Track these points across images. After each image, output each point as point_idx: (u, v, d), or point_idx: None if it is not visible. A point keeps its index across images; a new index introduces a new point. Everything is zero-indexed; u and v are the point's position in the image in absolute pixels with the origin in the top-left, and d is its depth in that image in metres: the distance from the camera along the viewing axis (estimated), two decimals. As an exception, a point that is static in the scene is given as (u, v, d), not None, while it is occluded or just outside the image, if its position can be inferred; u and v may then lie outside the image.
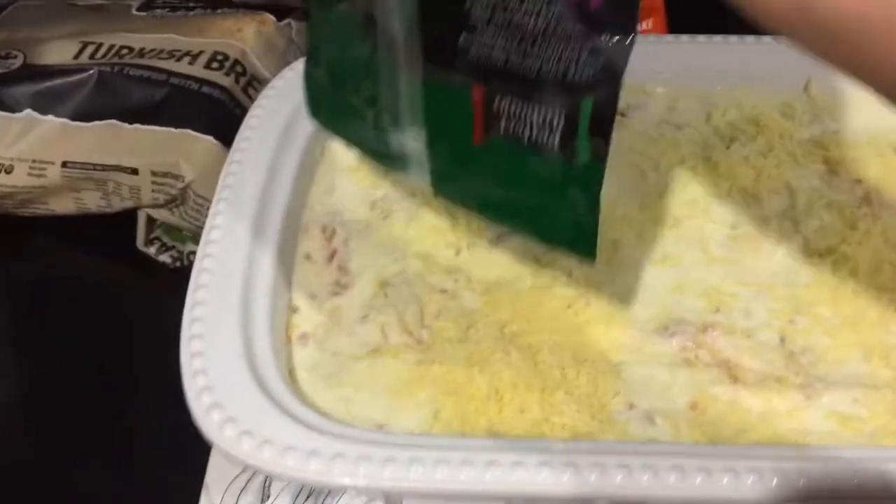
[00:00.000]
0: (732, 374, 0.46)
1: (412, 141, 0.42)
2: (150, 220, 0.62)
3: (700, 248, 0.52)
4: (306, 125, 0.58)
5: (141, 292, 0.62)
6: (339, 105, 0.46)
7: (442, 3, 0.38)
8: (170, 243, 0.63)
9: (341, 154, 0.60)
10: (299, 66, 0.61)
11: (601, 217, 0.41)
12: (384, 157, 0.46)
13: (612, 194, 0.55)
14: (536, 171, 0.39)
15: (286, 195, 0.54)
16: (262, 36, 0.68)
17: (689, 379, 0.46)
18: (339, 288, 0.51)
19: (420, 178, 0.44)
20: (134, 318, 0.60)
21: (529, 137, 0.37)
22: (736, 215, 0.54)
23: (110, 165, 0.59)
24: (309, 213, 0.55)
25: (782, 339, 0.48)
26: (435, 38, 0.38)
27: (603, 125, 0.36)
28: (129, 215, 0.63)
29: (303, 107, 0.59)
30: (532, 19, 0.35)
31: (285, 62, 0.66)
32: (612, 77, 0.34)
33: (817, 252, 0.52)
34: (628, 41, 0.33)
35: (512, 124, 0.37)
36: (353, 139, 0.49)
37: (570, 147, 0.37)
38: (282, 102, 0.59)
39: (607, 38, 0.34)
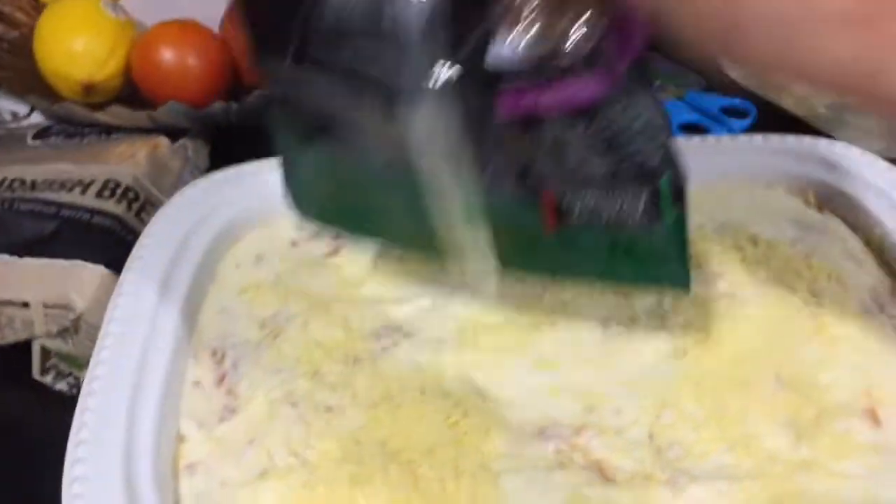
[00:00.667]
0: (604, 474, 0.48)
1: (470, 242, 0.49)
2: (45, 350, 0.62)
3: (573, 350, 0.55)
4: (197, 249, 0.61)
5: (39, 423, 0.61)
6: (353, 209, 0.54)
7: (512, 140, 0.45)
8: (66, 370, 0.63)
9: (232, 274, 0.62)
10: (189, 190, 0.64)
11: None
12: (424, 249, 0.54)
13: (492, 301, 0.58)
14: (615, 243, 0.47)
15: (176, 321, 0.55)
16: (155, 159, 0.70)
17: (565, 481, 0.48)
18: (228, 413, 0.52)
19: (473, 262, 0.51)
20: (31, 450, 0.59)
21: (608, 221, 0.45)
22: (607, 315, 0.57)
23: (2, 300, 0.60)
24: (199, 337, 0.57)
25: (650, 436, 0.50)
26: (497, 163, 0.45)
27: (682, 191, 0.46)
28: (24, 346, 0.63)
29: (196, 229, 0.62)
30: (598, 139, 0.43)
31: (182, 183, 0.68)
32: (676, 155, 0.45)
33: (682, 348, 0.55)
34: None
35: (586, 216, 0.45)
36: (373, 235, 0.58)
37: (656, 217, 0.45)
38: (172, 228, 0.61)
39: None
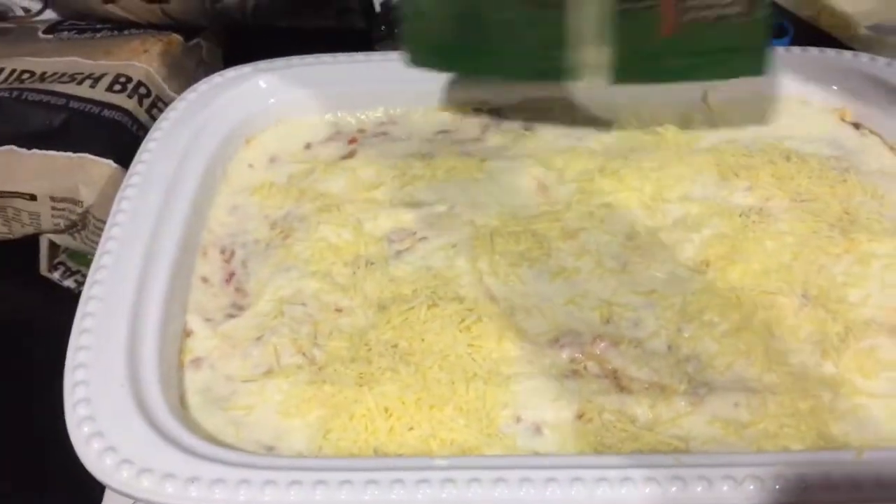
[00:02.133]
0: (619, 383, 0.47)
1: (589, 53, 0.55)
2: (53, 246, 0.61)
3: (595, 260, 0.53)
4: (208, 146, 0.59)
5: (45, 318, 0.61)
6: (469, 40, 0.57)
7: None
8: (74, 268, 0.62)
9: (244, 174, 0.60)
10: (203, 86, 0.62)
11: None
12: (542, 73, 0.59)
13: (514, 207, 0.56)
14: (716, 37, 0.55)
15: (183, 217, 0.54)
16: (168, 56, 0.68)
17: (578, 389, 0.46)
18: (236, 310, 0.51)
19: (592, 78, 0.56)
20: (38, 345, 0.58)
21: (718, 16, 0.54)
22: (632, 226, 0.55)
23: (8, 192, 0.58)
24: (208, 234, 0.55)
25: (670, 348, 0.48)
26: None
27: None
28: (33, 241, 0.62)
29: (206, 126, 0.60)
30: None
31: (194, 82, 0.66)
32: None
33: (707, 260, 0.53)
34: None
35: (700, 13, 0.54)
36: (486, 68, 0.60)
37: (753, 10, 0.54)
38: (183, 124, 0.59)
39: None
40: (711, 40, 0.55)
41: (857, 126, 0.62)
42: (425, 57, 0.58)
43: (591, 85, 0.57)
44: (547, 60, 0.56)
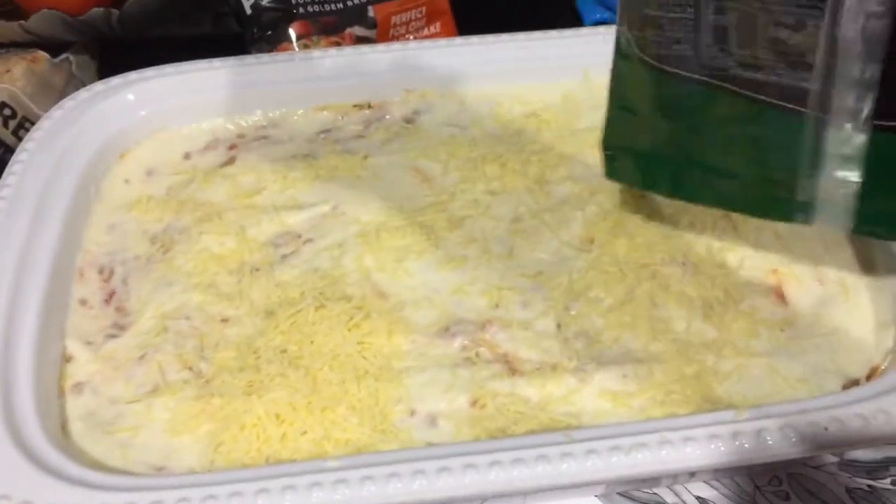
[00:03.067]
0: (511, 366, 0.47)
1: (828, 186, 0.45)
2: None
3: (482, 247, 0.53)
4: (78, 164, 0.57)
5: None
6: (697, 173, 0.49)
7: None
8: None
9: (120, 190, 0.58)
10: (69, 103, 0.60)
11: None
12: (764, 208, 0.48)
13: (399, 201, 0.56)
14: None
15: (55, 241, 0.52)
16: (33, 75, 0.66)
17: (470, 377, 0.46)
18: (117, 330, 0.50)
19: (827, 217, 0.46)
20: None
21: None
22: (516, 210, 0.56)
23: None
24: (84, 255, 0.54)
25: (558, 326, 0.49)
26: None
27: None
28: None
29: (75, 144, 0.58)
30: None
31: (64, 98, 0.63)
32: None
33: (591, 237, 0.53)
34: None
35: None
36: (714, 200, 0.50)
37: None
38: (50, 143, 0.57)
39: None
40: None
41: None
42: (626, 169, 0.51)
43: (826, 228, 0.46)
44: (774, 188, 0.46)
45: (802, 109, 0.44)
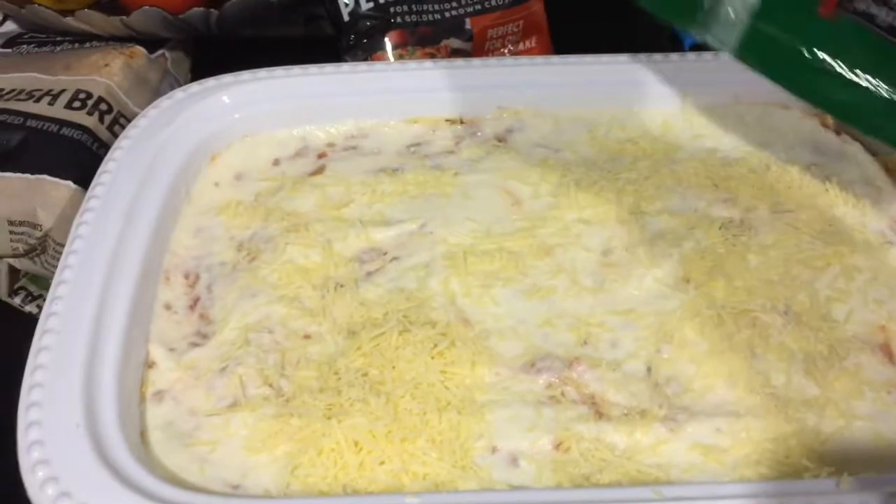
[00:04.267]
0: (598, 409, 0.45)
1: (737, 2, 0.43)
2: (13, 270, 0.59)
3: (570, 279, 0.51)
4: (170, 165, 0.57)
5: (5, 345, 0.58)
6: None
7: None
8: (36, 292, 0.60)
9: (209, 193, 0.58)
10: (165, 102, 0.60)
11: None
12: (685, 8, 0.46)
13: (488, 223, 0.55)
14: (876, 53, 0.42)
15: (144, 242, 0.52)
16: (130, 70, 0.66)
17: (555, 417, 0.45)
18: (200, 338, 0.49)
19: (721, 34, 0.44)
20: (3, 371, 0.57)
21: (881, 24, 0.41)
22: (608, 241, 0.54)
23: (-35, 216, 0.56)
24: (171, 258, 0.53)
25: (649, 370, 0.47)
26: None
27: None
28: (-8, 265, 0.60)
29: (169, 144, 0.58)
30: None
31: (159, 95, 0.64)
32: None
33: (687, 276, 0.51)
34: None
35: (869, 6, 0.41)
36: None
37: None
38: (144, 142, 0.57)
39: None
40: (868, 58, 0.42)
41: (838, 132, 0.61)
42: None
43: (713, 43, 0.44)
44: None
45: None
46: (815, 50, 0.43)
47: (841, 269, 0.51)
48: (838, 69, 0.42)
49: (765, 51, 0.44)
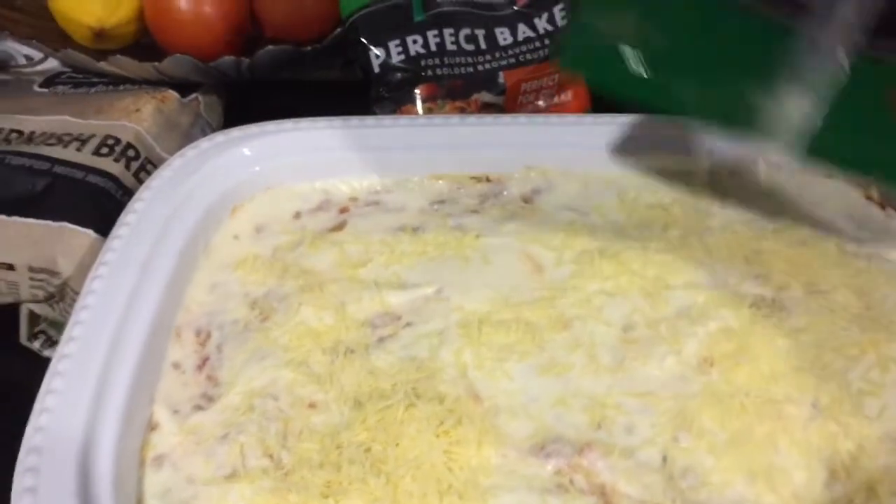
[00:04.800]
0: (608, 500, 0.43)
1: (795, 104, 0.45)
2: (33, 315, 0.59)
3: (588, 354, 0.49)
4: (191, 217, 0.56)
5: (22, 389, 0.59)
6: (653, 67, 0.47)
7: None
8: (56, 337, 0.60)
9: (228, 247, 0.58)
10: (190, 152, 0.60)
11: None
12: (724, 116, 0.48)
13: (506, 291, 0.53)
14: None
15: (159, 297, 0.51)
16: (161, 115, 0.66)
17: (562, 507, 0.43)
18: (206, 401, 0.49)
19: (783, 138, 0.46)
20: (19, 416, 0.57)
21: None
22: (630, 316, 0.52)
23: (-14, 260, 0.57)
24: (184, 314, 0.53)
25: (664, 459, 0.45)
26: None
27: None
28: (13, 308, 0.60)
29: (191, 196, 0.57)
30: None
31: (190, 139, 0.64)
32: None
33: (712, 358, 0.49)
34: None
35: None
36: (655, 95, 0.49)
37: None
38: (167, 193, 0.57)
39: None
40: None
41: (883, 206, 0.58)
42: (585, 62, 0.49)
43: (778, 150, 0.46)
44: (736, 100, 0.46)
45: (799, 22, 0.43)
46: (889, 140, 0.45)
47: (876, 358, 0.48)
48: None
49: (834, 150, 0.46)
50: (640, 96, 0.49)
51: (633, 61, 0.47)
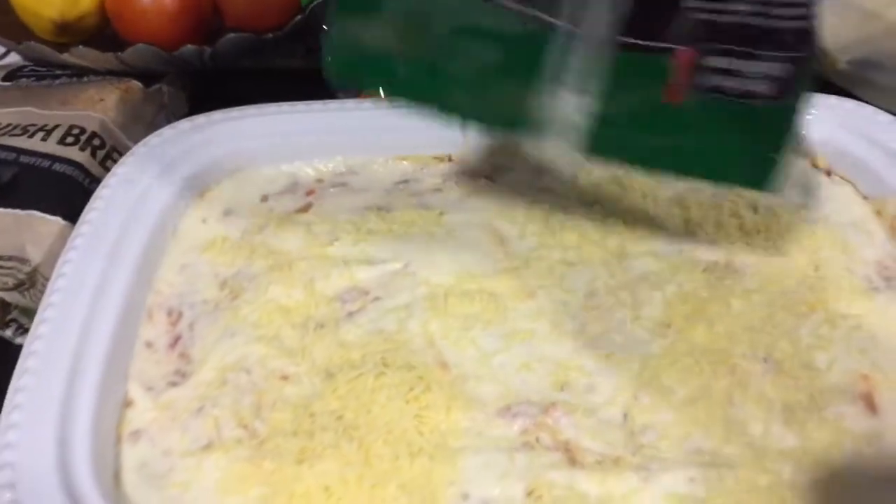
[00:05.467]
0: (572, 456, 0.45)
1: (565, 104, 0.46)
2: (4, 303, 0.60)
3: (551, 322, 0.51)
4: (158, 202, 0.57)
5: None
6: (420, 73, 0.48)
7: None
8: (27, 324, 0.61)
9: (196, 230, 0.58)
10: (154, 139, 0.61)
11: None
12: (501, 119, 0.50)
13: (471, 264, 0.55)
14: (729, 119, 0.45)
15: (128, 279, 0.52)
16: (125, 104, 0.67)
17: (528, 464, 0.44)
18: (179, 377, 0.50)
19: (560, 137, 0.47)
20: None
21: (735, 91, 0.44)
22: (591, 283, 0.53)
23: (-45, 250, 0.57)
24: (155, 296, 0.54)
25: (625, 416, 0.47)
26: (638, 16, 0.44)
27: (811, 77, 0.45)
28: (-17, 298, 0.60)
29: (157, 181, 0.58)
30: None
31: (154, 129, 0.64)
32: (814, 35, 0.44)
33: (669, 321, 0.51)
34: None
35: (722, 80, 0.44)
36: (429, 95, 0.49)
37: (784, 92, 0.44)
38: (133, 180, 0.58)
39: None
40: (723, 125, 0.46)
41: (828, 173, 0.61)
42: (351, 69, 0.49)
43: (557, 150, 0.48)
44: (512, 103, 0.47)
45: (554, 22, 0.45)
46: (667, 132, 0.47)
47: (825, 315, 0.51)
48: (693, 142, 0.47)
49: (613, 146, 0.48)
50: (415, 101, 0.49)
51: (401, 67, 0.48)
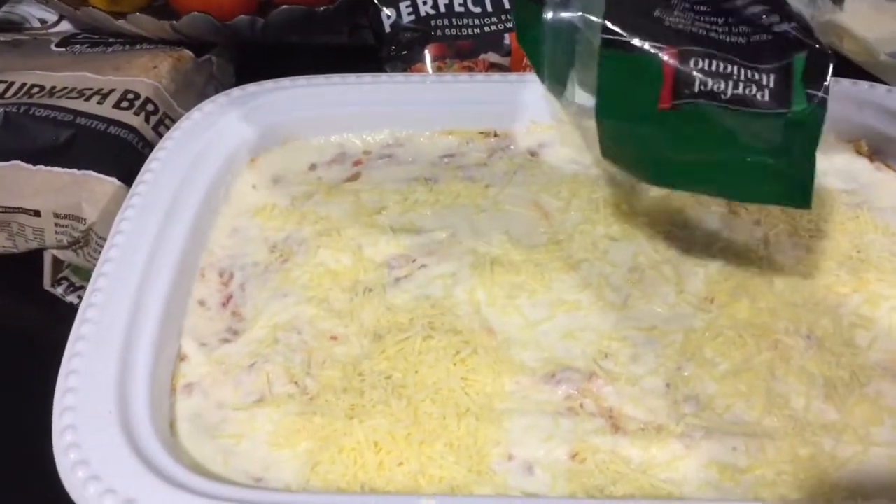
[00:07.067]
0: (615, 423, 0.46)
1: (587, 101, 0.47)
2: (57, 261, 0.61)
3: (595, 293, 0.52)
4: (211, 166, 0.59)
5: (46, 333, 0.61)
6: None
7: None
8: (78, 283, 0.62)
9: (247, 195, 0.60)
10: (208, 106, 0.62)
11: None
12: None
13: (517, 235, 0.56)
14: (734, 127, 0.43)
15: (183, 239, 0.54)
16: (178, 73, 0.68)
17: (572, 428, 0.45)
18: (231, 335, 0.51)
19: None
20: (37, 360, 0.58)
21: (733, 94, 0.42)
22: (635, 258, 0.54)
23: (13, 207, 0.59)
24: (207, 256, 0.55)
25: (668, 386, 0.47)
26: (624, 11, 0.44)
27: (822, 75, 0.42)
28: (37, 255, 0.62)
29: (210, 146, 0.60)
30: None
31: (204, 98, 0.66)
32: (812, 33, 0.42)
33: (712, 296, 0.52)
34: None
35: (710, 83, 0.42)
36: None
37: (784, 100, 0.42)
38: (187, 144, 0.59)
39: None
40: (722, 136, 0.43)
41: (871, 159, 0.61)
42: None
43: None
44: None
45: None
46: (665, 139, 0.46)
47: (866, 296, 0.51)
48: (691, 151, 0.45)
49: (621, 153, 0.48)
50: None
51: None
